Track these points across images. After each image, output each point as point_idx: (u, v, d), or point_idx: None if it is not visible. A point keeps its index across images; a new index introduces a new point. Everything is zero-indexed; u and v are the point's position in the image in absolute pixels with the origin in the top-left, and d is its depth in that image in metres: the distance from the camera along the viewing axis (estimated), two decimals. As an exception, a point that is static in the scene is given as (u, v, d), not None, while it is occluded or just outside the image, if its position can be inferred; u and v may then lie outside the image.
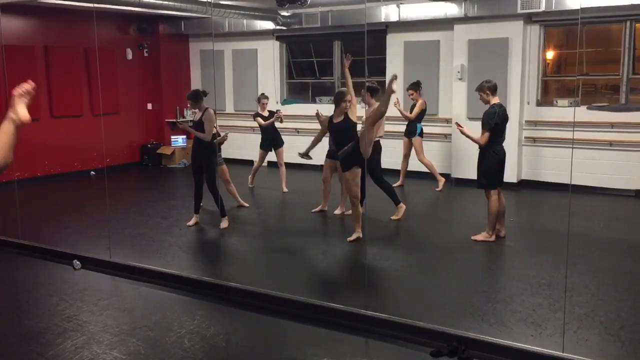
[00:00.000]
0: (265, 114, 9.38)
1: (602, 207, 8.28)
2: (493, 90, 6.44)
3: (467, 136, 6.50)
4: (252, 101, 11.20)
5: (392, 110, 9.60)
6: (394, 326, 4.39)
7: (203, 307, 4.97)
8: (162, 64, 12.72)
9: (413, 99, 9.40)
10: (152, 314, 4.81)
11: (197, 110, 7.41)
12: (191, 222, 7.49)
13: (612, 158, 9.02)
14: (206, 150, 7.25)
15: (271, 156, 9.65)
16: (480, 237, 6.60)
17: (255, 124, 9.78)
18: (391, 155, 9.50)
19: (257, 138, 9.86)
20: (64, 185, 10.56)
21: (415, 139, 9.41)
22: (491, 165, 6.44)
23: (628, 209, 8.30)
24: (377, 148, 7.48)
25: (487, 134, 6.33)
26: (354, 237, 6.61)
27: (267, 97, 9.56)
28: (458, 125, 6.67)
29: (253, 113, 9.61)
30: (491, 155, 6.43)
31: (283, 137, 9.58)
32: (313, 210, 8.05)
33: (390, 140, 9.44)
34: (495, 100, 6.43)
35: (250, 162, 10.65)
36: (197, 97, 7.27)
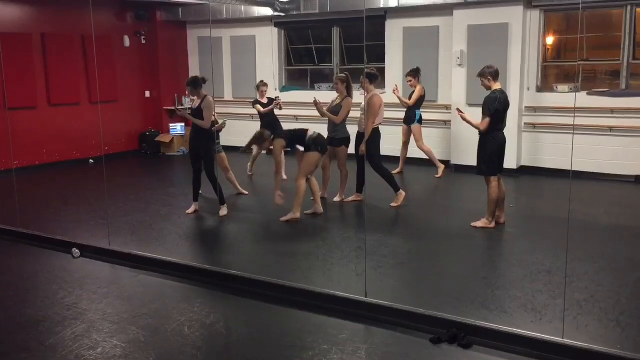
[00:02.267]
0: (264, 101, 9.35)
1: (602, 193, 8.27)
2: (495, 76, 6.40)
3: (468, 122, 6.47)
4: (251, 88, 11.16)
5: (391, 97, 9.60)
6: (393, 313, 4.39)
7: (203, 295, 4.97)
8: (160, 51, 12.65)
9: (411, 86, 9.35)
10: (151, 302, 4.80)
11: (195, 98, 7.37)
12: (190, 210, 7.48)
13: (612, 144, 9.01)
14: (204, 138, 7.22)
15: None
16: (480, 223, 6.59)
17: (254, 111, 9.74)
18: (390, 142, 9.47)
19: (255, 125, 9.81)
20: (63, 173, 10.54)
21: (415, 126, 9.38)
22: (491, 152, 6.42)
23: (628, 195, 8.29)
24: (377, 135, 7.45)
25: (487, 120, 6.30)
26: (288, 216, 6.96)
27: (266, 85, 9.51)
28: (459, 111, 6.64)
29: (252, 100, 9.58)
30: (491, 142, 6.40)
31: (282, 124, 9.54)
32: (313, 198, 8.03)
33: (390, 127, 9.41)
34: (496, 86, 6.39)
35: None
36: (196, 84, 7.21)
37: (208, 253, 6.28)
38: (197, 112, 7.19)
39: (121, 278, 5.44)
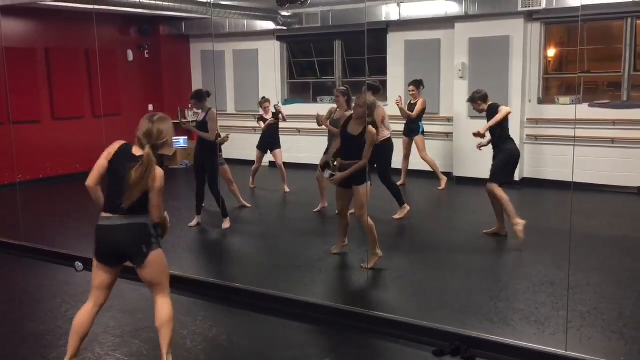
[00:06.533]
0: (268, 116, 9.41)
1: (604, 205, 8.27)
2: (485, 99, 6.55)
3: (483, 133, 6.48)
4: (253, 101, 11.23)
5: (391, 110, 9.62)
6: (396, 326, 4.39)
7: (205, 308, 4.97)
8: (163, 65, 12.72)
9: (413, 96, 9.33)
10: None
11: (199, 111, 7.44)
12: (193, 223, 7.49)
13: (613, 155, 9.01)
14: (209, 151, 7.25)
15: (271, 156, 9.67)
16: (519, 228, 6.39)
17: (256, 124, 9.83)
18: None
19: (258, 139, 9.85)
20: (66, 186, 10.56)
21: (418, 137, 9.39)
22: (507, 160, 6.48)
23: (630, 207, 8.28)
24: (389, 148, 7.51)
25: (499, 115, 6.37)
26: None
27: (268, 100, 9.59)
28: (479, 135, 6.62)
29: (257, 116, 9.68)
30: (507, 150, 6.48)
31: (284, 137, 9.60)
32: (315, 210, 8.04)
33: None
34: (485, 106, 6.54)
35: (251, 163, 10.64)
36: (200, 97, 7.29)
37: (211, 266, 6.28)
38: (202, 125, 7.24)
39: (124, 291, 5.43)
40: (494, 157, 6.54)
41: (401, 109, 9.33)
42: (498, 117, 6.37)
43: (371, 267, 5.59)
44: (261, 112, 9.55)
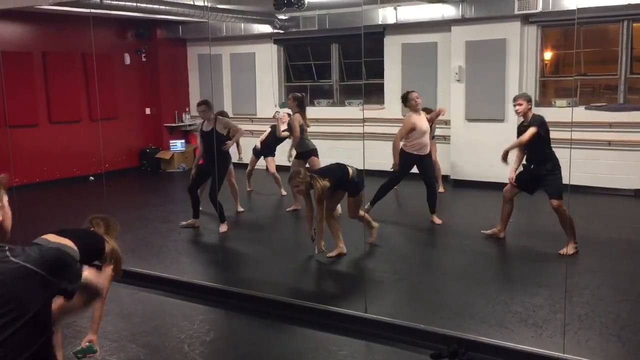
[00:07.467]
0: (282, 127, 9.45)
1: (601, 207, 8.28)
2: (529, 100, 6.40)
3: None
4: (251, 105, 11.21)
5: (392, 113, 9.61)
6: (394, 329, 4.38)
7: (203, 312, 4.96)
8: (160, 68, 12.72)
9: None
10: (151, 319, 4.79)
11: (205, 121, 7.38)
12: (188, 222, 7.50)
13: (610, 158, 9.02)
14: (221, 158, 7.03)
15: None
16: (570, 249, 6.04)
17: (253, 128, 9.91)
18: (381, 157, 9.38)
19: (255, 141, 9.84)
20: (63, 190, 10.54)
21: (432, 142, 9.26)
22: (560, 177, 6.30)
23: (627, 209, 8.29)
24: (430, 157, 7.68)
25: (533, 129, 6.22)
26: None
27: (279, 112, 9.70)
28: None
29: (271, 126, 9.71)
30: (555, 165, 6.37)
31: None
32: (288, 209, 8.23)
33: (382, 142, 9.39)
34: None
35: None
36: (210, 106, 7.36)
37: (208, 269, 6.27)
38: (211, 134, 7.15)
39: (120, 295, 5.42)
40: (549, 172, 6.27)
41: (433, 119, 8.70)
42: (520, 141, 6.26)
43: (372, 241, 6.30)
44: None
